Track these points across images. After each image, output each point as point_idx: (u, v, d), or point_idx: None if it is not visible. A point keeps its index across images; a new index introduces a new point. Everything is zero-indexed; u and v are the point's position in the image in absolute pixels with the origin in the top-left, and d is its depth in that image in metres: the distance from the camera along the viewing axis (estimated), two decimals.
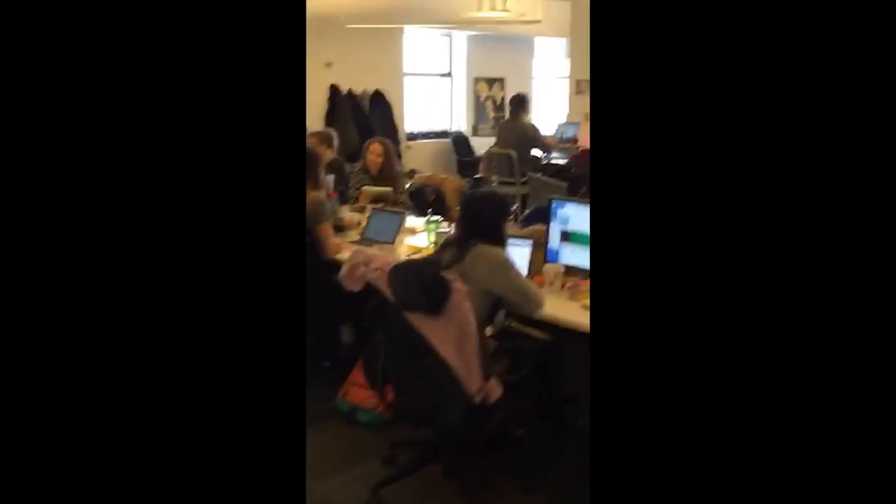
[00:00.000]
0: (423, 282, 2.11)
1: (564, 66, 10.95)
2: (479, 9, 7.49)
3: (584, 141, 6.42)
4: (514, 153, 5.93)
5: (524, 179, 5.82)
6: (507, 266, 2.34)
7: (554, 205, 2.87)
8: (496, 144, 6.30)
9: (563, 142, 6.90)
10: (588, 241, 2.73)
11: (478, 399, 2.12)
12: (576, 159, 5.33)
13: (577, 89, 6.84)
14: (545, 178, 4.10)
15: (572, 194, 3.57)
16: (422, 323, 2.12)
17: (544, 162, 6.37)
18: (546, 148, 6.43)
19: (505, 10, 8.45)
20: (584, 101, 6.75)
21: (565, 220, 2.82)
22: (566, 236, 2.81)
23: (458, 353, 2.10)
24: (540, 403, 2.55)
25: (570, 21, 6.98)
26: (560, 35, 10.76)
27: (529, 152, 6.16)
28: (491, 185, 6.19)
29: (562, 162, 6.41)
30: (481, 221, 2.40)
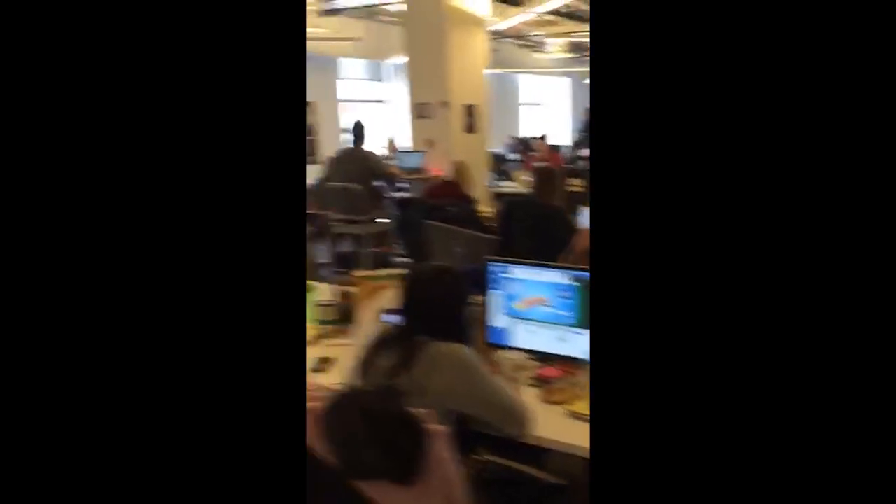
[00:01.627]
0: (379, 430, 1.31)
1: (370, 89, 10.55)
2: None
3: (435, 170, 5.80)
4: (359, 187, 5.16)
5: (378, 218, 5.08)
6: (475, 370, 1.60)
7: (493, 269, 2.16)
8: (330, 177, 5.46)
9: (407, 171, 6.23)
10: (552, 319, 2.06)
11: None
12: (440, 195, 4.61)
13: (418, 113, 6.20)
14: (454, 227, 3.28)
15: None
16: (383, 498, 1.31)
17: (389, 195, 5.67)
18: (391, 179, 5.72)
19: (317, 27, 7.72)
20: (427, 126, 6.15)
21: (514, 291, 2.12)
22: (516, 312, 2.12)
23: None
24: None
25: (408, 42, 6.37)
26: (367, 56, 10.26)
27: (371, 185, 5.44)
28: (333, 224, 5.37)
29: (408, 195, 5.79)
30: (433, 309, 1.65)
